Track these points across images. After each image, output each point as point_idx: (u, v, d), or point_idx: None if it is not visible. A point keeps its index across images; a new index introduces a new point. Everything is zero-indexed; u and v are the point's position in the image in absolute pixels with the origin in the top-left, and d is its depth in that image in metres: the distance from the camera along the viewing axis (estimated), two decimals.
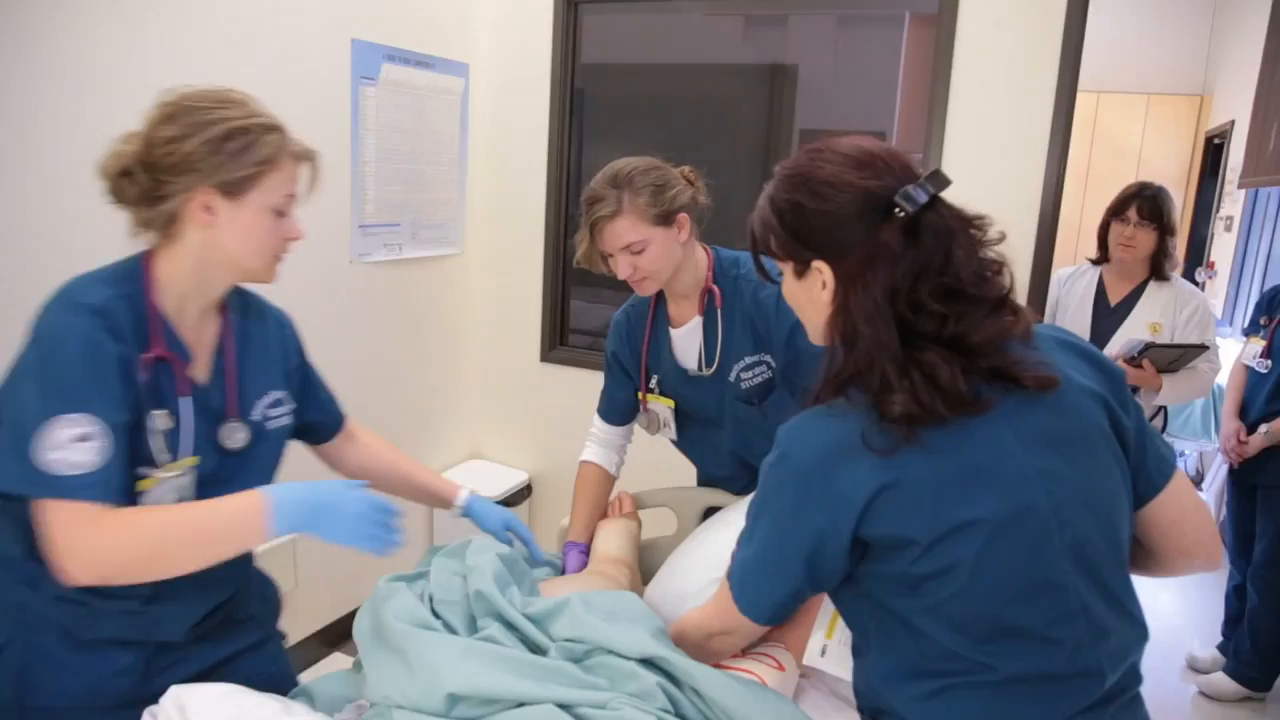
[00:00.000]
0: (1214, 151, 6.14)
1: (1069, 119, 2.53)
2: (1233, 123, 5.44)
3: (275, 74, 2.36)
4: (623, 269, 1.69)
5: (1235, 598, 3.09)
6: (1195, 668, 3.18)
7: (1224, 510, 3.12)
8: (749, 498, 1.81)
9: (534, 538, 1.71)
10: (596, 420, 1.99)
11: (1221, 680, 3.02)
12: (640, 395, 1.91)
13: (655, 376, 1.88)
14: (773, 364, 1.75)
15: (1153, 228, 2.71)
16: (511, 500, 3.24)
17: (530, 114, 3.15)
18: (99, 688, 1.27)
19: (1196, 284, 4.98)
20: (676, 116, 3.28)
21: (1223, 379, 3.07)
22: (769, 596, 1.11)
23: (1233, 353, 3.15)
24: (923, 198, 0.98)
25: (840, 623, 1.34)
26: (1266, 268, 4.90)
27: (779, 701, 1.25)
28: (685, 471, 2.08)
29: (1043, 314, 2.66)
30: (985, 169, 2.61)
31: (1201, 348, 2.61)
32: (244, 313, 1.42)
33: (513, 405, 3.40)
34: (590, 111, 3.26)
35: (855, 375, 1.01)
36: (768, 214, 1.10)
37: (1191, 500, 1.13)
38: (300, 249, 2.56)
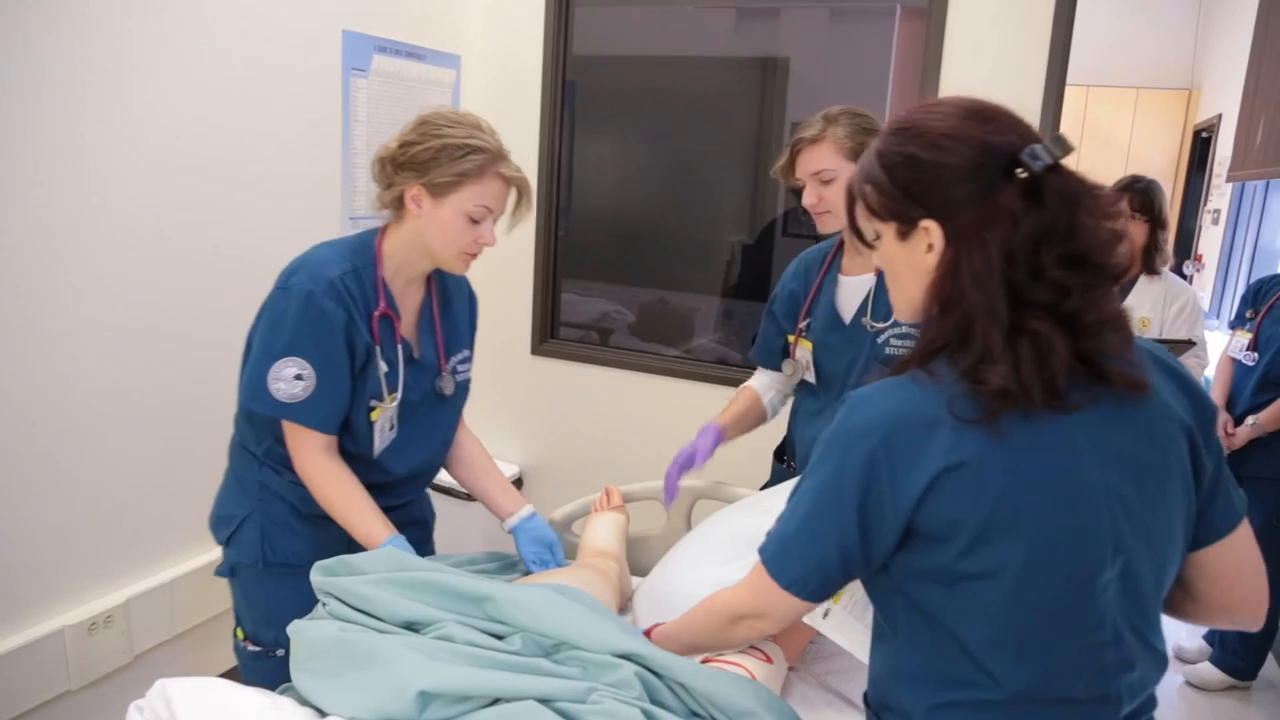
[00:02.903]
0: (1202, 145, 6.16)
1: (1058, 113, 2.54)
2: (1220, 117, 5.46)
3: (266, 65, 2.35)
4: (809, 196, 1.77)
5: None
6: (1182, 658, 3.21)
7: None
8: (745, 501, 1.83)
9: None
10: (758, 371, 2.08)
11: (1207, 670, 3.04)
12: (791, 339, 1.95)
13: (809, 320, 1.92)
14: None
15: (1144, 220, 2.73)
16: None
17: (522, 106, 3.14)
18: (319, 551, 1.57)
19: (1184, 277, 5.01)
20: (668, 109, 3.28)
21: (1210, 372, 3.09)
22: (816, 568, 1.02)
23: (1219, 345, 3.17)
24: (1049, 159, 0.92)
25: (849, 590, 1.29)
26: (1253, 261, 4.93)
27: (757, 688, 1.25)
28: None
29: None
30: None
31: (1189, 343, 2.63)
32: (442, 283, 1.74)
33: (503, 398, 3.39)
34: (582, 104, 3.25)
35: (948, 346, 0.96)
36: (874, 169, 1.01)
37: (1250, 557, 1.07)
38: (289, 240, 2.56)
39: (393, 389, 1.62)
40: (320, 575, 1.38)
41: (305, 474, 1.57)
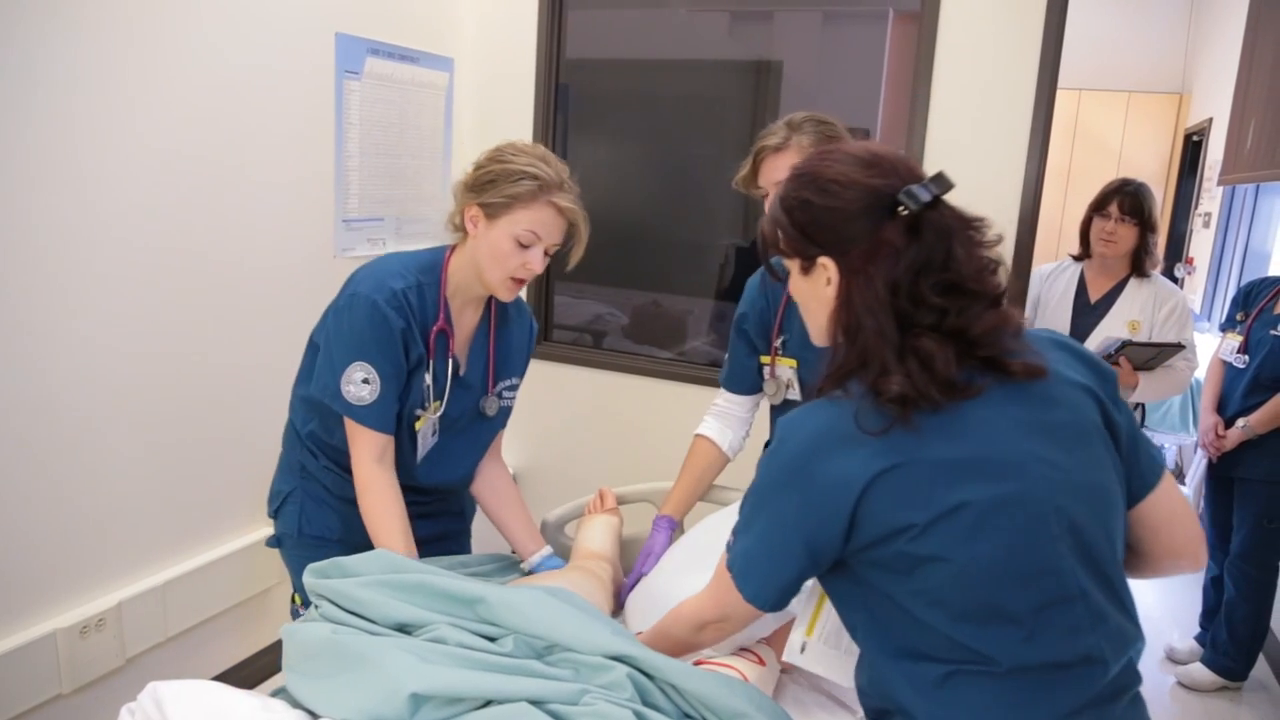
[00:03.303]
0: (1193, 149, 6.19)
1: (1049, 116, 2.55)
2: (1211, 120, 5.49)
3: (259, 67, 2.34)
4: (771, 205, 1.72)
5: (1213, 589, 3.14)
6: (1173, 659, 3.22)
7: (1202, 503, 3.16)
8: (737, 506, 1.82)
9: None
10: (721, 392, 1.98)
11: (1199, 671, 3.06)
12: (767, 359, 1.89)
13: (784, 337, 1.87)
14: None
15: (1134, 223, 2.74)
16: None
17: (515, 109, 3.15)
18: (349, 527, 1.72)
19: (1176, 280, 5.03)
20: (661, 112, 3.28)
21: (1201, 374, 3.11)
22: (774, 583, 1.12)
23: (1211, 347, 3.18)
24: (926, 197, 1.02)
25: (820, 621, 1.35)
26: (1243, 263, 4.95)
27: (748, 689, 1.26)
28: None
29: (1023, 311, 2.68)
30: (966, 166, 2.61)
31: (1178, 346, 2.64)
32: (503, 310, 1.79)
33: None
34: (575, 107, 3.26)
35: (856, 368, 1.04)
36: (778, 212, 1.13)
37: (1180, 502, 1.16)
38: (283, 243, 2.57)
39: (439, 397, 1.69)
40: (313, 578, 1.38)
41: (356, 475, 1.64)
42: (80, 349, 2.02)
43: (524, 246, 1.58)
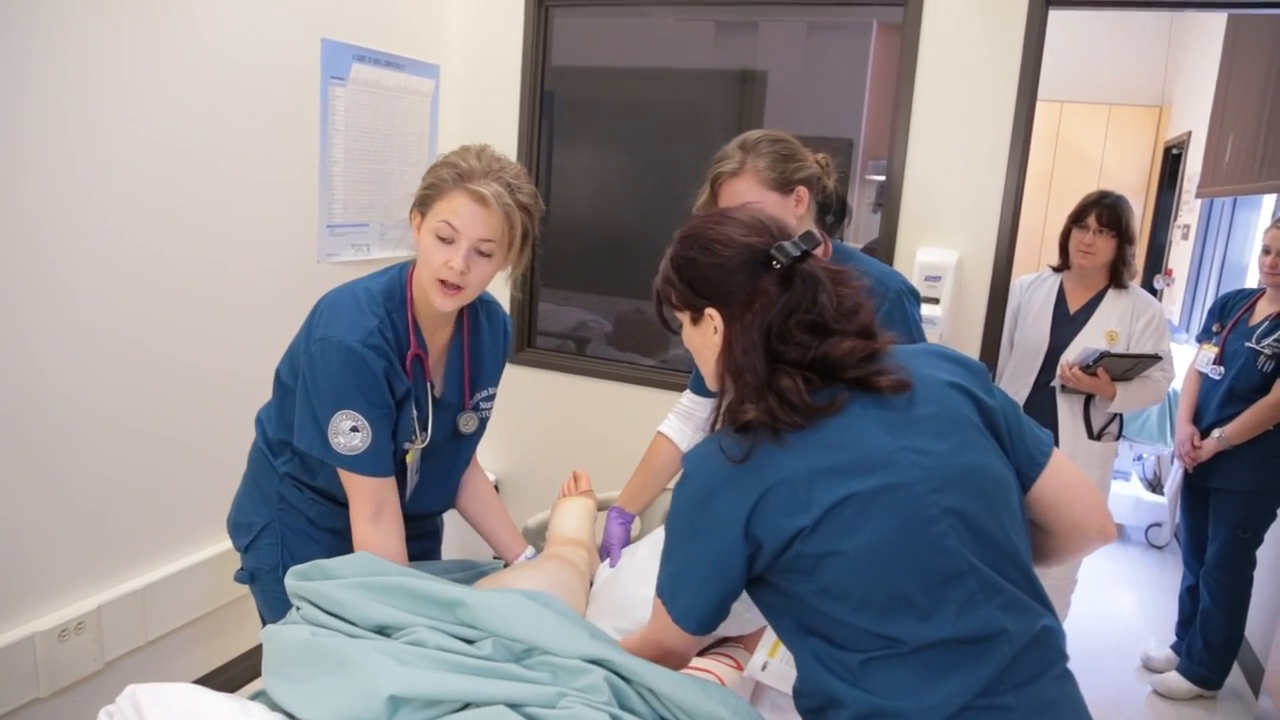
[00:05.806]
0: (1172, 161, 6.25)
1: (1029, 128, 2.58)
2: (1190, 134, 5.55)
3: (245, 73, 2.35)
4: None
5: (1188, 599, 3.16)
6: (1150, 667, 3.25)
7: (1179, 513, 3.19)
8: None
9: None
10: (685, 393, 2.00)
11: (1174, 679, 3.08)
12: None
13: None
14: None
15: (1111, 235, 2.77)
16: None
17: (500, 116, 3.16)
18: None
19: (1155, 291, 5.07)
20: (647, 121, 3.30)
21: (1178, 384, 3.14)
22: (699, 606, 1.20)
23: (1188, 359, 3.22)
24: (795, 252, 1.14)
25: (782, 644, 1.40)
26: (1221, 275, 5.00)
27: (724, 694, 1.27)
28: None
29: (1003, 320, 2.71)
30: (948, 176, 2.66)
31: (1155, 358, 2.67)
32: (475, 320, 1.70)
33: None
34: (560, 114, 3.27)
35: (736, 406, 1.14)
36: (668, 270, 1.24)
37: (1074, 475, 1.23)
38: (267, 249, 2.57)
39: (423, 428, 1.61)
40: (295, 580, 1.38)
41: (354, 537, 1.54)
42: (60, 353, 2.01)
43: (445, 242, 1.47)
